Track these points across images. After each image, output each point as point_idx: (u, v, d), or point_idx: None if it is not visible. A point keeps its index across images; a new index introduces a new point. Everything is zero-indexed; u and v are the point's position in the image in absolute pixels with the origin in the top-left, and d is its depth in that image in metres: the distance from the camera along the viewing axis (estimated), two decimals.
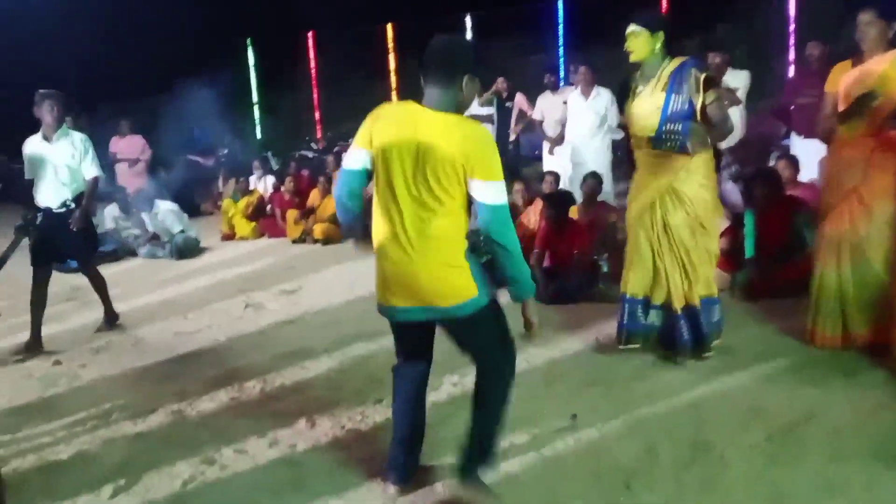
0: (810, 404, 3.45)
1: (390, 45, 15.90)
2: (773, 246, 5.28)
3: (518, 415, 3.12)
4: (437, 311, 2.57)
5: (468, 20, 15.27)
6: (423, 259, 2.49)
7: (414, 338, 2.78)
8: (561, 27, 14.32)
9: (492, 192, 2.43)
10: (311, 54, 15.68)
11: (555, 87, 8.49)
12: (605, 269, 5.59)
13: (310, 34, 15.57)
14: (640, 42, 3.76)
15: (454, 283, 2.51)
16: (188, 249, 7.79)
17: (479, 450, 2.74)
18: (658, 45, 3.76)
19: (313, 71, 15.79)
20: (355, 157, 2.60)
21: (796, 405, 3.45)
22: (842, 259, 4.01)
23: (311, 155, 13.00)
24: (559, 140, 7.69)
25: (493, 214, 2.44)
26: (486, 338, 2.66)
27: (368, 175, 2.61)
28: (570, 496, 2.79)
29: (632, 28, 3.77)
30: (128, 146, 9.90)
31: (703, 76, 3.70)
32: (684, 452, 3.08)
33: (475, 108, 10.16)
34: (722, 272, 5.31)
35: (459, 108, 2.57)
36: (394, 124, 2.52)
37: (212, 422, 3.66)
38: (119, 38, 14.60)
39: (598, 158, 7.23)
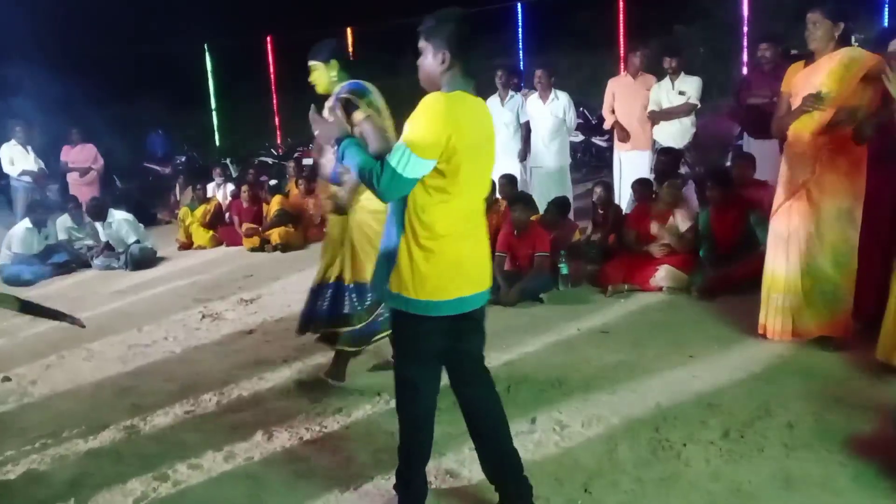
0: (766, 399, 3.50)
1: (350, 48, 15.80)
2: (727, 245, 5.37)
3: None
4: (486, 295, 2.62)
5: None
6: (486, 243, 2.60)
7: (452, 335, 2.55)
8: (520, 31, 14.40)
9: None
10: (270, 58, 15.51)
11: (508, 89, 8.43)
12: (564, 271, 5.61)
13: (268, 38, 15.39)
14: (318, 75, 3.85)
15: None
16: (144, 260, 7.62)
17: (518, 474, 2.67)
18: (334, 74, 3.83)
19: (272, 76, 15.62)
20: (423, 167, 2.34)
21: (753, 401, 3.50)
22: (791, 254, 4.08)
23: (270, 161, 12.86)
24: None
25: None
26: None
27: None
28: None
29: (310, 63, 3.87)
30: (79, 155, 9.66)
31: (343, 100, 3.63)
32: (644, 451, 3.09)
33: None
34: (679, 271, 5.39)
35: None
36: (472, 119, 2.43)
37: (166, 436, 3.57)
38: (72, 42, 14.28)
39: (558, 161, 7.27)
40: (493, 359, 4.12)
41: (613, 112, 7.10)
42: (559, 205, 6.39)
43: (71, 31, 13.64)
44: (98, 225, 7.93)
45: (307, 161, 11.76)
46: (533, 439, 3.23)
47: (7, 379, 4.53)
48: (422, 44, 2.50)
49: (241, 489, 3.04)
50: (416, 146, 2.31)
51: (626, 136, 6.97)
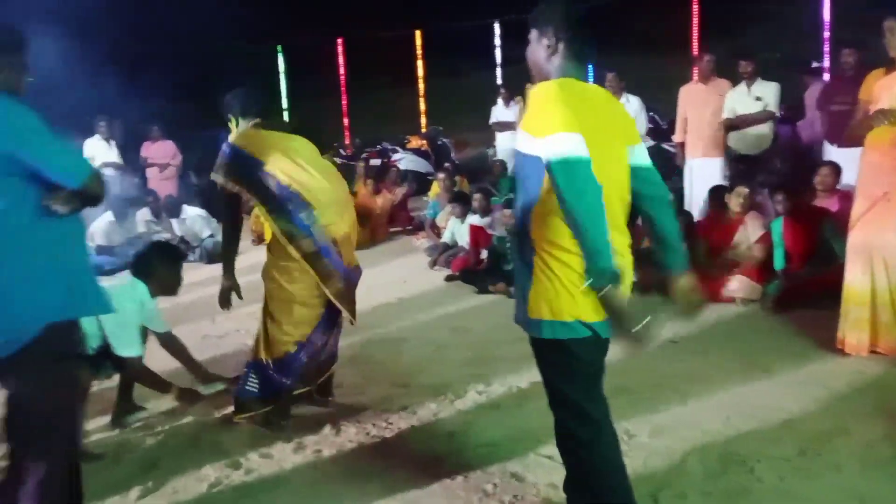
0: (843, 417, 3.38)
1: (418, 51, 15.94)
2: (801, 256, 5.20)
3: (544, 425, 3.09)
4: None
5: (496, 26, 15.26)
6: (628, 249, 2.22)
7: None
8: None
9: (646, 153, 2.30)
10: (341, 60, 15.78)
11: None
12: (633, 278, 5.52)
13: (339, 41, 15.67)
14: None
15: None
16: (218, 253, 7.86)
17: None
18: None
19: (342, 77, 15.89)
20: (581, 144, 1.99)
21: (828, 418, 3.38)
22: (875, 267, 3.93)
23: (339, 161, 13.08)
24: None
25: None
26: None
27: None
28: None
29: None
30: (159, 151, 10.04)
31: None
32: (714, 465, 3.03)
33: (501, 112, 10.15)
34: (753, 282, 5.25)
35: None
36: (588, 107, 2.11)
37: (239, 425, 3.68)
38: (151, 42, 14.87)
39: None
40: None
41: (685, 125, 6.95)
42: None
43: (150, 30, 14.23)
44: (173, 221, 8.24)
45: (374, 161, 11.95)
46: None
47: None
48: (530, 34, 2.30)
49: (307, 479, 3.12)
50: (555, 124, 2.00)
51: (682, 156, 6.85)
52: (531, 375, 4.03)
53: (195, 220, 8.13)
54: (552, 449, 3.02)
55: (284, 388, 3.60)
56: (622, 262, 2.12)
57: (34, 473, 2.32)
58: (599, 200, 1.97)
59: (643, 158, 2.27)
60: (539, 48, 2.26)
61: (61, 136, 2.33)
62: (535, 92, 2.16)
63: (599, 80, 8.86)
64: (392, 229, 9.07)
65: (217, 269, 7.45)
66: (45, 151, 2.25)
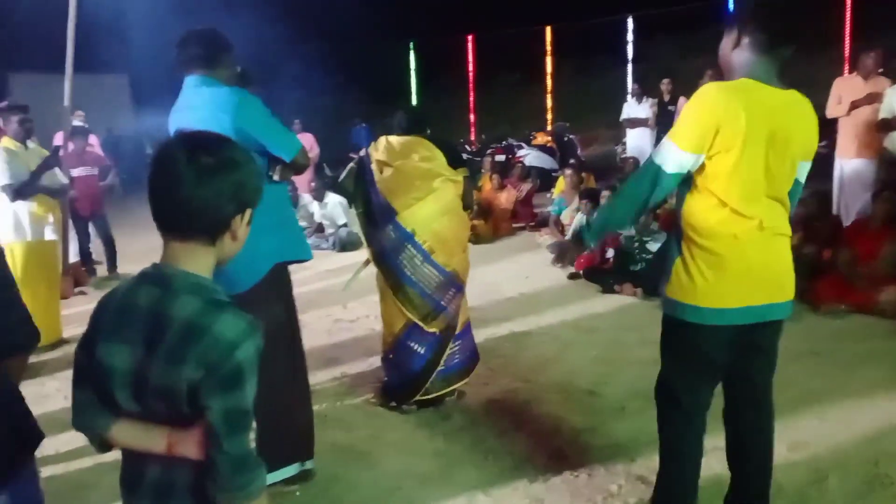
0: None
1: (548, 47, 15.85)
2: None
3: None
4: (788, 307, 2.31)
5: (630, 21, 14.89)
6: (786, 250, 2.29)
7: (732, 350, 2.31)
8: None
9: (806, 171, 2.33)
10: (470, 57, 15.95)
11: None
12: None
13: (469, 37, 15.83)
14: None
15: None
16: (350, 243, 8.18)
17: None
18: None
19: (471, 74, 16.06)
20: (685, 160, 2.17)
21: None
22: None
23: (465, 156, 13.24)
24: None
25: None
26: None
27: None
28: None
29: None
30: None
31: None
32: (857, 484, 2.85)
33: (633, 108, 9.93)
34: None
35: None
36: (752, 113, 2.12)
37: (365, 406, 3.84)
38: (291, 39, 15.58)
39: None
40: None
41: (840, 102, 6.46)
42: None
43: (290, 28, 14.91)
44: (315, 205, 8.65)
45: (500, 157, 12.00)
46: None
47: None
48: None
49: (434, 465, 3.21)
50: (677, 136, 2.18)
51: (851, 139, 6.34)
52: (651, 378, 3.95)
53: (335, 207, 8.50)
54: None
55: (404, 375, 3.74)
56: (761, 256, 2.20)
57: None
58: (634, 206, 2.26)
59: (801, 175, 2.32)
60: (727, 43, 2.28)
61: (278, 121, 2.91)
62: (698, 94, 2.20)
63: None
64: (515, 225, 9.06)
65: (349, 257, 7.82)
66: (268, 131, 2.83)
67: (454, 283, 3.67)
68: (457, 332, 3.74)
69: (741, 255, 2.18)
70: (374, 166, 3.74)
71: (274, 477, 2.90)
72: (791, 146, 2.19)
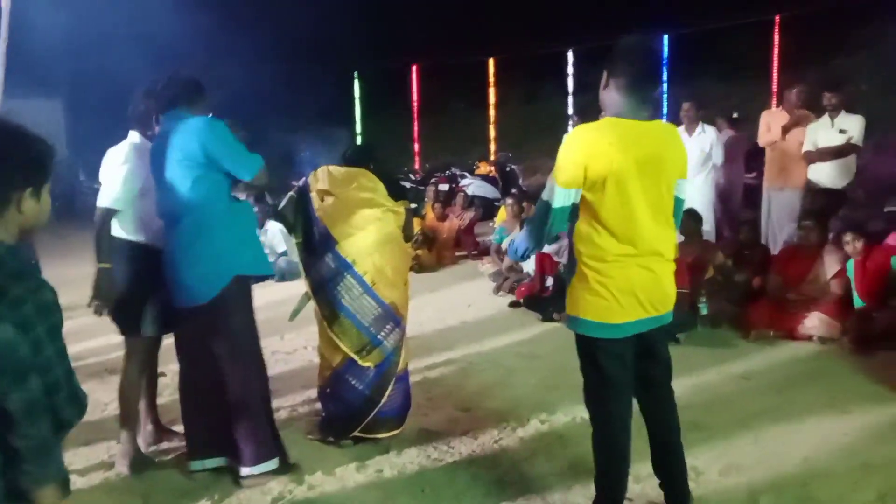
0: None
1: (491, 78, 16.10)
2: (872, 296, 4.98)
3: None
4: (667, 317, 2.64)
5: (570, 54, 15.28)
6: (663, 268, 2.58)
7: (630, 356, 2.62)
8: (666, 62, 14.10)
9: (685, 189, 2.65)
10: (414, 86, 16.07)
11: None
12: (704, 311, 5.39)
13: (413, 66, 15.97)
14: None
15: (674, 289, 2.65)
16: (290, 272, 8.04)
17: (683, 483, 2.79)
18: None
19: (415, 103, 16.17)
20: (567, 196, 2.45)
21: None
22: None
23: (408, 185, 13.25)
24: None
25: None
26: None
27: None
28: None
29: None
30: None
31: None
32: None
33: None
34: (831, 320, 5.04)
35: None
36: (621, 145, 2.42)
37: (303, 441, 3.74)
38: (228, 69, 15.47)
39: (700, 196, 7.00)
40: None
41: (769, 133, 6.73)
42: (694, 215, 6.11)
43: (227, 57, 14.77)
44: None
45: (443, 186, 12.06)
46: None
47: (163, 374, 4.90)
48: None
49: (371, 498, 3.14)
50: (556, 175, 2.46)
51: (778, 170, 6.60)
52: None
53: (275, 235, 8.37)
54: (635, 487, 2.95)
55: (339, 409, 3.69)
56: (641, 275, 2.50)
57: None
58: (536, 240, 2.57)
59: (680, 192, 2.64)
60: (601, 84, 2.56)
61: (239, 144, 3.19)
62: (567, 137, 2.53)
63: (675, 110, 8.76)
64: (458, 254, 9.09)
65: (289, 287, 7.68)
66: (228, 152, 3.14)
67: (392, 317, 3.63)
68: (398, 374, 3.68)
69: (620, 276, 2.47)
70: (314, 195, 3.70)
71: (265, 467, 3.25)
72: (663, 169, 2.50)
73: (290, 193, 3.79)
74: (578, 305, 2.54)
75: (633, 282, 2.49)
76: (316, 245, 3.66)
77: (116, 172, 3.35)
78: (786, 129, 6.54)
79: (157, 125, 3.37)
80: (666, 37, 13.64)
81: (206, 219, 3.16)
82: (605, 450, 2.67)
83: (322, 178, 3.73)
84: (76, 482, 3.35)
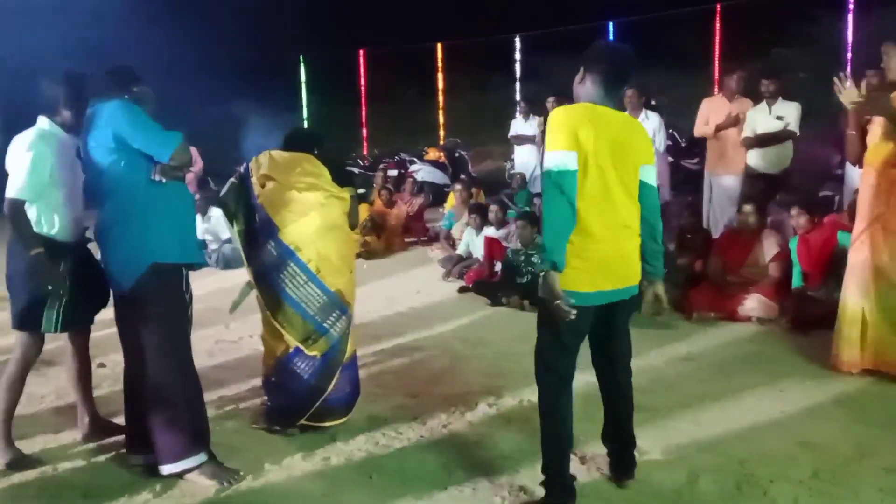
0: (862, 440, 3.33)
1: (439, 63, 16.03)
2: (816, 275, 5.15)
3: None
4: (634, 289, 2.82)
5: (517, 40, 15.32)
6: (632, 242, 2.78)
7: (589, 326, 2.78)
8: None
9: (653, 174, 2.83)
10: (362, 71, 15.90)
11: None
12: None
13: (361, 52, 15.79)
14: None
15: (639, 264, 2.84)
16: (234, 259, 7.88)
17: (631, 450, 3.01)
18: None
19: (363, 88, 16.00)
20: (571, 159, 2.58)
21: (847, 441, 3.33)
22: (868, 286, 4.01)
23: (357, 171, 13.13)
24: None
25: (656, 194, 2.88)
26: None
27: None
28: None
29: None
30: None
31: None
32: (728, 485, 2.98)
33: (520, 126, 10.15)
34: (769, 301, 5.19)
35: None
36: (596, 126, 2.63)
37: (248, 431, 3.68)
38: (178, 54, 15.05)
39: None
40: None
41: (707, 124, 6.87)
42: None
43: (175, 40, 14.37)
44: (199, 219, 8.31)
45: (392, 172, 12.00)
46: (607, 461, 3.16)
47: (102, 365, 4.77)
48: None
49: (317, 488, 3.11)
50: (555, 144, 2.58)
51: (718, 157, 6.74)
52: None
53: (219, 221, 8.20)
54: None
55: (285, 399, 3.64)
56: (614, 248, 2.71)
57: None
58: (563, 211, 2.57)
59: (648, 177, 2.81)
60: (576, 78, 2.80)
61: (152, 123, 3.06)
62: (552, 115, 2.71)
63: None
64: (407, 240, 9.06)
65: (233, 275, 7.54)
66: (136, 132, 3.01)
67: (338, 305, 3.58)
68: (344, 362, 3.65)
69: (597, 248, 2.65)
70: (254, 181, 3.62)
71: (187, 464, 3.13)
72: (631, 153, 2.72)
73: (232, 180, 3.70)
74: (561, 277, 2.63)
75: (608, 254, 2.68)
76: (258, 232, 3.58)
77: (22, 160, 3.18)
78: (720, 128, 6.69)
79: (69, 111, 3.27)
80: (611, 24, 13.79)
81: (123, 205, 3.07)
82: (550, 413, 2.82)
83: (264, 163, 3.65)
84: (11, 478, 3.24)
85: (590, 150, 2.59)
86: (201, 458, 3.18)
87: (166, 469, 3.14)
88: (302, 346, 3.52)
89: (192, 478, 3.14)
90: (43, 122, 3.30)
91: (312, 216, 3.54)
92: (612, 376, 2.97)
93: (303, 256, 3.50)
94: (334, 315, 3.57)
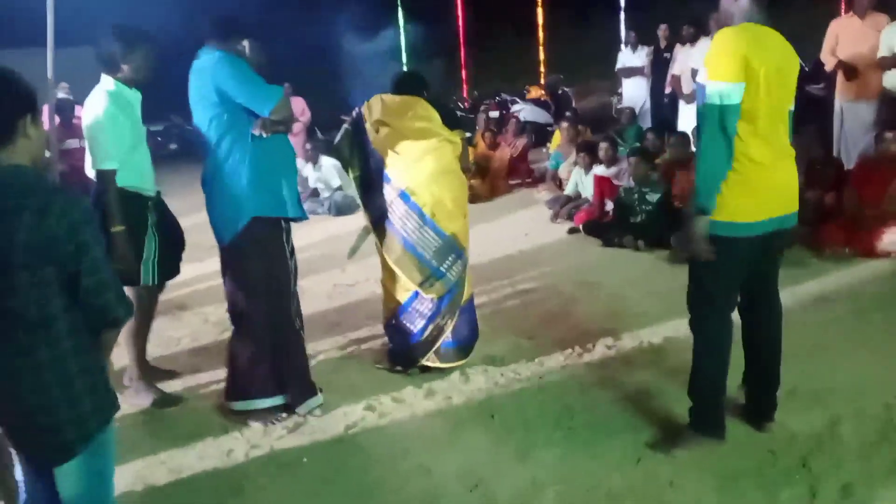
0: None
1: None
2: None
3: (678, 380, 2.96)
4: (794, 217, 2.71)
5: None
6: (793, 167, 2.69)
7: (753, 256, 2.68)
8: None
9: None
10: (459, 12, 15.62)
11: (693, 39, 7.80)
12: None
13: None
14: None
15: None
16: (346, 206, 8.06)
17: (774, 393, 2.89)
18: None
19: (461, 29, 15.74)
20: (737, 91, 2.47)
21: None
22: None
23: (458, 114, 13.02)
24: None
25: None
26: None
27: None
28: (744, 473, 2.63)
29: None
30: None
31: None
32: (870, 432, 2.82)
33: (628, 57, 9.69)
34: None
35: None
36: (764, 50, 2.52)
37: (371, 370, 3.79)
38: (276, 5, 15.25)
39: None
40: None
41: (835, 55, 6.32)
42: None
43: None
44: (310, 168, 8.51)
45: (493, 113, 11.80)
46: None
47: None
48: None
49: (442, 426, 3.17)
50: (719, 74, 2.47)
51: (853, 75, 6.16)
52: (664, 331, 3.92)
53: (329, 170, 8.37)
54: (685, 406, 2.89)
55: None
56: (779, 176, 2.61)
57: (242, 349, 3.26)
58: (722, 151, 2.49)
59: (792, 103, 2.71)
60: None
61: (255, 77, 3.03)
62: (717, 38, 2.57)
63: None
64: (512, 182, 8.94)
65: (345, 221, 7.71)
66: (239, 86, 2.99)
67: (454, 249, 3.58)
68: (462, 304, 3.66)
69: (764, 176, 2.56)
70: (368, 126, 3.62)
71: (262, 403, 3.27)
72: (787, 77, 2.61)
73: (345, 126, 3.71)
74: (725, 209, 2.54)
75: (774, 181, 2.59)
76: (374, 178, 3.60)
77: (100, 128, 3.17)
78: (848, 75, 6.09)
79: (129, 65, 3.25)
80: None
81: (225, 158, 3.07)
82: (710, 346, 2.74)
83: (376, 108, 3.65)
84: (159, 414, 3.48)
85: (761, 75, 2.46)
86: (279, 399, 3.31)
87: (237, 405, 3.30)
88: (420, 290, 3.56)
89: (253, 421, 3.27)
90: (107, 81, 3.28)
91: (427, 160, 3.53)
92: (762, 314, 2.83)
93: (418, 201, 3.50)
94: (450, 258, 3.57)
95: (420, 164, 3.53)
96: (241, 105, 3.01)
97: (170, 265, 3.54)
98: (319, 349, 4.08)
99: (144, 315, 3.61)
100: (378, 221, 3.63)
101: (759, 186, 2.55)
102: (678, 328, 3.69)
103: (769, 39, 2.57)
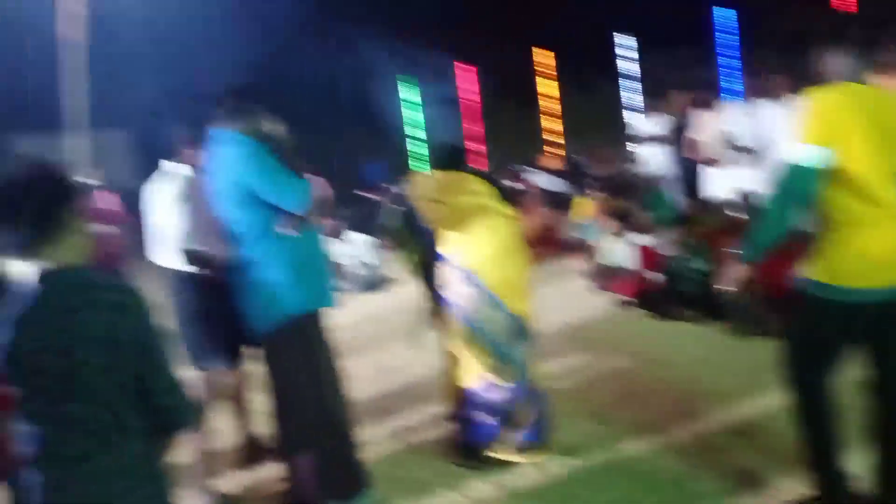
0: None
1: (544, 70, 15.76)
2: None
3: (770, 466, 2.71)
4: None
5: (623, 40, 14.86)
6: None
7: (856, 328, 2.55)
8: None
9: None
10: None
11: (707, 104, 7.73)
12: None
13: (473, 69, 15.81)
14: None
15: None
16: (373, 282, 7.91)
17: None
18: None
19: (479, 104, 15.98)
20: (819, 155, 2.41)
21: None
22: None
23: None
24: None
25: None
26: None
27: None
28: None
29: None
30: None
31: None
32: None
33: (647, 125, 9.63)
34: None
35: None
36: (861, 108, 2.44)
37: (434, 463, 3.54)
38: (291, 83, 15.50)
39: None
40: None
41: None
42: None
43: (285, 69, 14.74)
44: (338, 244, 8.37)
45: (513, 184, 11.76)
46: None
47: None
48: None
49: None
50: (809, 137, 2.42)
51: None
52: (742, 411, 3.67)
53: (360, 246, 8.23)
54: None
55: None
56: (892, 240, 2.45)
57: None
58: (782, 212, 2.52)
59: None
60: (828, 55, 2.60)
61: (280, 170, 2.86)
62: (808, 99, 2.49)
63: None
64: (540, 251, 8.76)
65: (374, 298, 7.48)
66: (264, 183, 2.83)
67: (523, 330, 3.38)
68: (533, 391, 3.44)
69: (872, 242, 2.44)
70: (418, 204, 3.49)
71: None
72: (888, 138, 2.45)
73: (393, 207, 3.59)
74: (823, 269, 2.51)
75: (883, 246, 2.45)
76: (434, 258, 3.44)
77: (157, 208, 3.37)
78: None
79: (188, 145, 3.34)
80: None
81: (253, 254, 2.90)
82: (807, 420, 2.63)
83: (425, 185, 3.53)
84: None
85: (857, 137, 2.39)
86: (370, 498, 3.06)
87: None
88: (490, 375, 3.33)
89: None
90: (173, 166, 3.44)
91: (490, 238, 3.38)
92: (887, 392, 2.58)
93: (484, 281, 3.33)
94: (520, 340, 3.37)
95: (484, 242, 3.37)
96: (264, 200, 2.86)
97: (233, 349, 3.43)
98: (373, 439, 3.81)
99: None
100: (439, 303, 3.44)
101: (866, 252, 2.44)
102: (762, 405, 3.50)
103: (869, 98, 2.49)
